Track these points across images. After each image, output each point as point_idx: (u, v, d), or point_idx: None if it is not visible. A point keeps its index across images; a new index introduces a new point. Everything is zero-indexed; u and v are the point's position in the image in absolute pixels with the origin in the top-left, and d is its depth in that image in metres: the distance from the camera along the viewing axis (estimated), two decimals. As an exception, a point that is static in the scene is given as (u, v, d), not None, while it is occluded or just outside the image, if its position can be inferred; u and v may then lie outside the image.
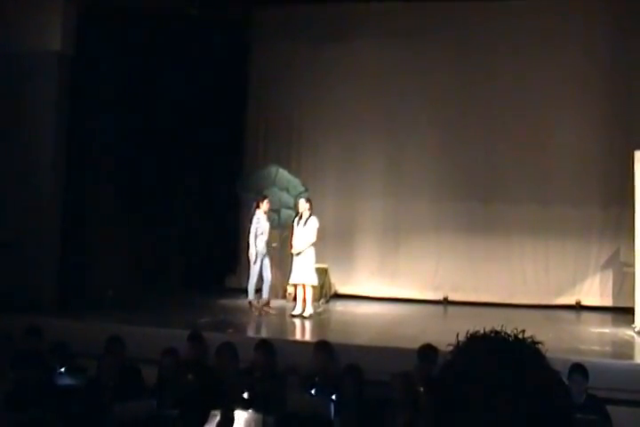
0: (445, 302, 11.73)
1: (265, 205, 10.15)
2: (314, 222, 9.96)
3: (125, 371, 5.93)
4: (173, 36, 11.33)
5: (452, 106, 11.82)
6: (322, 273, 11.47)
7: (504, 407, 1.11)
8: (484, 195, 11.78)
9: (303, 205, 10.02)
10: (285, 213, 11.42)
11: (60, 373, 5.90)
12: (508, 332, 1.20)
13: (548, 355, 1.24)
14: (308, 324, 9.60)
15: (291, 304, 10.30)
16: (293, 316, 9.68)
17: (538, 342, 1.19)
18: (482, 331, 1.21)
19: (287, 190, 11.51)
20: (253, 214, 10.17)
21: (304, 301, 9.72)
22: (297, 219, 10.05)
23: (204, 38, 11.82)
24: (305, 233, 9.85)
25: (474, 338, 1.20)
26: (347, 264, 12.15)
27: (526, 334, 1.22)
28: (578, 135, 11.45)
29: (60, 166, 9.53)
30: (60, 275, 9.57)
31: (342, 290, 12.05)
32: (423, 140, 12.09)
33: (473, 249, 11.87)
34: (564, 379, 5.49)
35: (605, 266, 11.34)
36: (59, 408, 5.27)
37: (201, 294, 11.33)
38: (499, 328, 1.21)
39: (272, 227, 10.73)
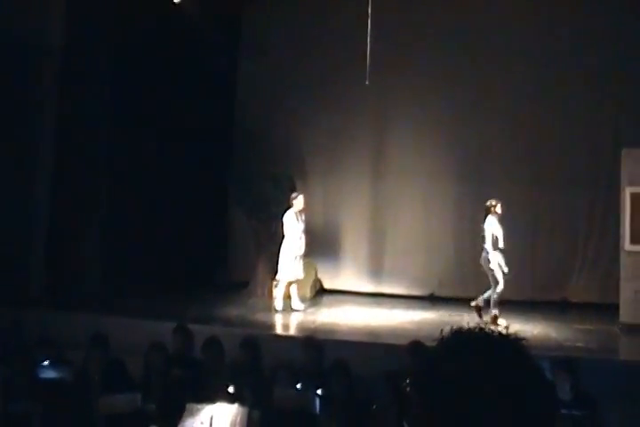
0: (433, 297, 11.75)
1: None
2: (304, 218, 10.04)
3: (111, 364, 5.90)
4: (162, 32, 11.25)
5: (441, 101, 11.80)
6: (311, 269, 11.49)
7: (488, 405, 1.11)
8: (473, 190, 11.79)
9: (302, 202, 9.99)
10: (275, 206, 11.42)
11: (45, 366, 5.86)
12: (492, 327, 1.20)
13: (534, 351, 1.23)
14: (296, 319, 9.60)
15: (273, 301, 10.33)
16: (296, 310, 9.82)
17: (522, 339, 1.19)
18: (466, 327, 1.21)
19: (275, 182, 11.49)
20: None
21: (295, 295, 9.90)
22: (295, 215, 9.99)
23: (195, 35, 11.72)
24: (302, 229, 9.93)
25: (458, 334, 1.20)
26: (334, 260, 12.14)
27: (511, 330, 1.22)
28: (564, 132, 11.48)
29: (49, 161, 9.47)
30: (46, 269, 9.52)
31: (330, 285, 12.05)
32: (410, 136, 12.09)
33: (460, 244, 11.89)
34: (551, 376, 5.52)
35: (592, 262, 11.39)
36: (44, 402, 5.24)
37: (190, 287, 11.29)
38: (483, 324, 1.21)
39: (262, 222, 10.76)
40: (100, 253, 10.55)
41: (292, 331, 8.96)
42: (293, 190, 11.16)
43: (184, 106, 11.57)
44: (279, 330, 8.86)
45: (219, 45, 12.12)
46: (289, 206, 10.15)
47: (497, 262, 9.30)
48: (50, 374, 5.78)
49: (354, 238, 12.32)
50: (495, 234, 9.29)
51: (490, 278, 9.34)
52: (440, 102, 11.83)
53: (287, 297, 10.04)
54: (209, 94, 12.02)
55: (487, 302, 9.37)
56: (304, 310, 9.98)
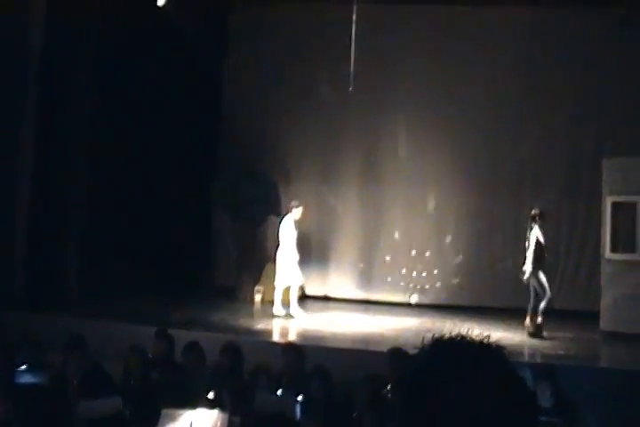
0: (416, 305, 11.76)
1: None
2: None
3: (90, 368, 5.84)
4: (147, 32, 11.20)
5: (430, 109, 11.84)
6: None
7: (469, 412, 1.11)
8: (460, 199, 11.86)
9: (301, 212, 10.13)
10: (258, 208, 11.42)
11: (22, 370, 5.79)
12: (474, 336, 1.20)
13: (515, 359, 1.23)
14: (278, 325, 9.57)
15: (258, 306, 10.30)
16: (291, 316, 9.87)
17: (502, 347, 1.19)
18: (447, 335, 1.21)
19: (259, 186, 11.48)
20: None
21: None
22: (293, 222, 10.05)
23: (181, 35, 11.68)
24: (295, 236, 10.04)
25: (439, 343, 1.20)
26: (322, 266, 12.07)
27: (493, 338, 1.22)
28: (546, 142, 11.55)
29: (28, 162, 9.39)
30: (26, 271, 9.42)
31: (318, 292, 11.97)
32: (400, 143, 12.13)
33: (444, 253, 11.93)
34: (532, 383, 5.54)
35: (573, 270, 11.45)
36: (21, 406, 5.17)
37: (174, 291, 11.19)
38: (465, 332, 1.21)
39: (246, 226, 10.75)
40: (80, 255, 10.46)
41: (274, 336, 8.92)
42: (276, 192, 11.17)
43: (169, 106, 11.52)
44: (260, 335, 8.82)
45: (205, 45, 12.08)
46: (286, 213, 10.16)
47: (542, 272, 9.12)
48: (27, 378, 5.70)
49: (342, 245, 12.29)
50: (542, 243, 9.14)
51: (537, 289, 9.12)
52: (429, 110, 11.86)
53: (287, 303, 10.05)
54: (194, 95, 11.97)
55: (533, 310, 9.18)
56: (292, 317, 9.93)
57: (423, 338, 1.23)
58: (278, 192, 11.92)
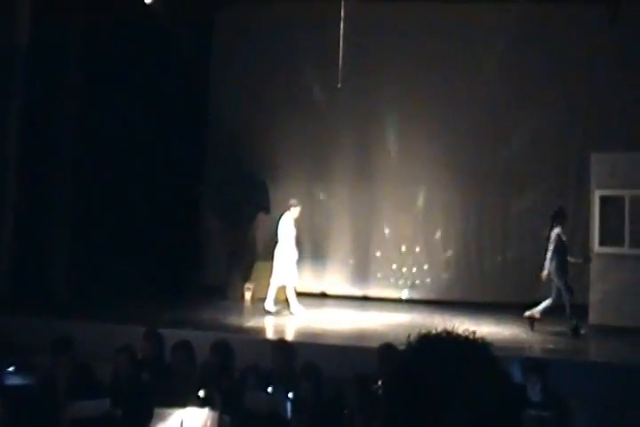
0: (407, 300, 11.77)
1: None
2: None
3: (78, 369, 5.80)
4: (133, 32, 11.15)
5: (420, 107, 11.83)
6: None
7: (456, 407, 1.12)
8: (446, 196, 11.88)
9: (299, 209, 10.14)
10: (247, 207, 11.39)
11: (10, 372, 5.75)
12: (460, 332, 1.21)
13: (505, 353, 1.24)
14: (269, 322, 9.55)
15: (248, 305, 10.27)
16: (293, 314, 9.92)
17: (488, 343, 1.21)
18: (433, 331, 1.22)
19: (247, 185, 11.45)
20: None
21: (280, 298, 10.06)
22: (292, 221, 10.07)
23: (167, 35, 11.62)
24: (294, 234, 10.04)
25: (425, 339, 1.21)
26: (311, 263, 12.05)
27: (480, 334, 1.23)
28: (535, 137, 11.58)
29: (13, 161, 9.33)
30: (13, 272, 9.36)
31: (313, 289, 11.93)
32: (393, 142, 12.13)
33: (434, 249, 11.96)
34: (521, 377, 5.55)
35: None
36: (10, 408, 5.14)
37: (163, 291, 11.15)
38: (451, 328, 1.22)
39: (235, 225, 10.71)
40: (68, 255, 10.40)
41: (264, 334, 8.89)
42: (265, 191, 11.14)
43: (156, 106, 11.46)
44: (251, 333, 8.80)
45: (192, 44, 12.03)
46: (285, 211, 10.14)
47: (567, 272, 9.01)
48: (15, 380, 5.66)
49: (333, 242, 12.28)
50: (564, 242, 9.06)
51: (562, 289, 8.97)
52: (418, 107, 11.86)
53: (283, 301, 10.03)
54: (181, 95, 11.92)
55: (545, 313, 9.07)
56: (293, 314, 9.93)
57: (409, 335, 1.24)
58: (267, 191, 11.89)
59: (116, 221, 11.10)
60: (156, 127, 11.56)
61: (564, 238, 9.07)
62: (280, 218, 10.15)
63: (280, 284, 10.00)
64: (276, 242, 10.08)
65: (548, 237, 9.13)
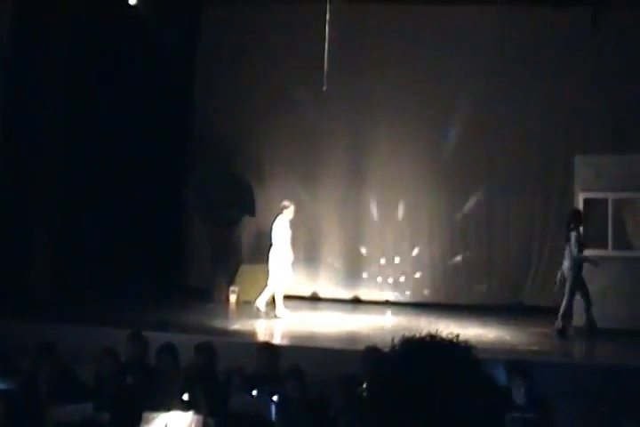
0: (393, 303, 11.78)
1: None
2: None
3: (61, 373, 5.75)
4: (117, 32, 11.08)
5: (403, 105, 11.84)
6: (263, 275, 11.39)
7: (439, 410, 1.13)
8: (430, 199, 11.91)
9: (293, 212, 10.08)
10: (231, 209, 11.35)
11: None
12: (443, 335, 1.22)
13: (490, 355, 1.24)
14: (255, 325, 9.51)
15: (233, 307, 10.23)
16: (278, 317, 9.86)
17: (471, 347, 1.21)
18: (417, 335, 1.23)
19: (232, 187, 11.41)
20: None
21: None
22: (286, 223, 10.04)
23: (152, 35, 11.57)
24: (290, 236, 10.02)
25: (409, 343, 1.22)
26: (296, 266, 12.01)
27: (470, 335, 1.24)
28: (520, 139, 11.63)
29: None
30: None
31: (303, 292, 11.87)
32: (383, 144, 12.14)
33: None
34: (506, 379, 5.56)
35: (546, 267, 11.52)
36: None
37: (147, 293, 11.07)
38: (435, 331, 1.24)
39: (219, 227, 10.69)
40: (50, 257, 10.32)
41: (249, 337, 8.86)
42: (250, 192, 11.10)
43: (140, 107, 11.40)
44: (235, 336, 8.76)
45: (176, 46, 11.98)
46: (279, 214, 10.10)
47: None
48: (-3, 383, 5.60)
49: (317, 244, 12.26)
50: (583, 244, 9.00)
51: (581, 293, 8.92)
52: (402, 109, 11.87)
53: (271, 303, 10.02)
54: (165, 95, 11.85)
55: (587, 316, 8.95)
56: (278, 317, 9.91)
57: (393, 338, 1.25)
58: (252, 193, 11.86)
59: (99, 222, 11.02)
60: (140, 127, 11.48)
61: (581, 240, 9.01)
62: (273, 221, 10.12)
63: (278, 286, 9.95)
64: (270, 245, 10.04)
65: (567, 239, 9.04)
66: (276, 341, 8.32)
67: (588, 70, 11.14)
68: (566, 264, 9.00)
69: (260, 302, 9.96)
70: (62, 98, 10.44)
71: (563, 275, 9.05)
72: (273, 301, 10.02)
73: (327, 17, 10.18)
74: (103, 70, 10.98)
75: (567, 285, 8.97)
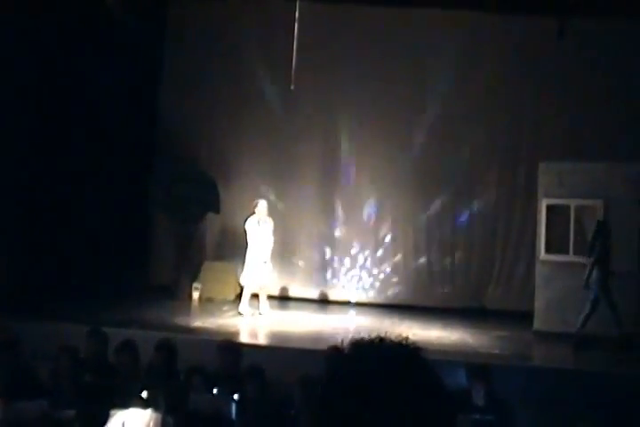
0: (357, 304, 11.80)
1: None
2: (271, 222, 10.06)
3: (18, 370, 5.65)
4: (83, 30, 10.94)
5: (371, 104, 11.85)
6: (231, 272, 11.35)
7: (386, 411, 1.14)
8: (396, 199, 11.95)
9: (265, 211, 10.00)
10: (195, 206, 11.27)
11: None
12: (393, 337, 1.23)
13: (451, 358, 1.25)
14: (217, 323, 9.45)
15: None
16: (241, 314, 9.85)
17: (419, 348, 1.23)
18: (366, 337, 1.25)
19: (197, 184, 11.34)
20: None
21: (256, 299, 9.96)
22: (257, 221, 9.93)
23: (118, 33, 11.42)
24: (266, 234, 9.94)
25: (358, 344, 1.24)
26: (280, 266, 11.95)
27: (432, 337, 1.26)
28: (485, 145, 11.72)
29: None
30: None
31: (277, 292, 11.79)
32: (341, 143, 12.16)
33: (384, 253, 12.01)
34: (466, 382, 5.60)
35: (508, 271, 11.65)
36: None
37: (110, 290, 10.92)
38: (384, 334, 1.25)
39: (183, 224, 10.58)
40: (8, 252, 10.12)
41: (210, 335, 8.79)
42: (215, 190, 11.03)
43: (105, 104, 11.26)
44: (197, 334, 8.70)
45: (142, 42, 11.84)
46: (251, 213, 10.05)
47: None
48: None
49: (283, 243, 12.19)
50: (608, 252, 8.82)
51: (607, 301, 8.65)
52: (370, 108, 11.87)
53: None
54: (131, 92, 11.71)
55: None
56: (241, 314, 9.89)
57: (342, 340, 1.28)
58: (217, 191, 11.79)
59: (60, 217, 10.85)
60: (103, 123, 11.34)
61: (608, 250, 8.91)
62: (246, 220, 10.09)
63: (247, 284, 9.93)
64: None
65: (592, 248, 8.85)
66: (238, 339, 8.27)
67: (555, 79, 11.28)
68: (589, 275, 8.73)
69: (263, 309, 9.97)
70: (25, 94, 10.26)
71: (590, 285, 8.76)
72: (239, 296, 10.02)
73: (296, 15, 10.16)
74: (68, 67, 10.82)
75: (596, 294, 8.70)
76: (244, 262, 10.11)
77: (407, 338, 1.24)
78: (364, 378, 1.17)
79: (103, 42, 11.13)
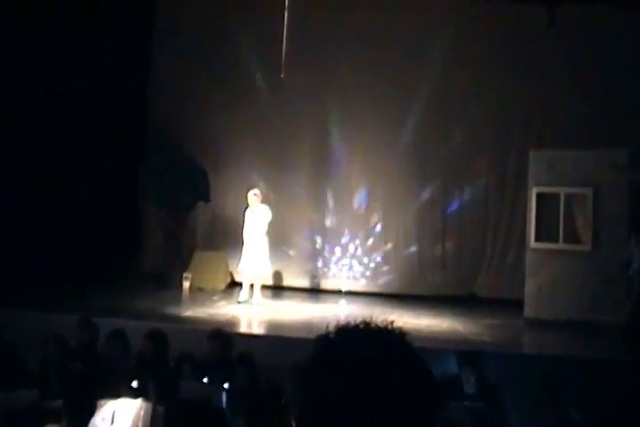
0: (348, 292, 11.80)
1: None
2: (265, 212, 10.04)
3: (7, 359, 5.62)
4: (71, 21, 10.83)
5: (361, 92, 11.78)
6: (221, 262, 11.34)
7: (369, 399, 1.14)
8: (386, 187, 11.94)
9: (254, 201, 10.06)
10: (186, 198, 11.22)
11: None
12: (378, 322, 1.23)
13: (441, 346, 1.24)
14: (207, 312, 9.44)
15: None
16: (239, 302, 9.88)
17: (405, 333, 1.23)
18: (351, 322, 1.24)
19: (187, 172, 11.29)
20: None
21: (251, 288, 9.97)
22: (249, 212, 10.05)
23: (106, 21, 11.31)
24: (256, 224, 9.92)
25: (343, 330, 1.23)
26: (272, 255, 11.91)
27: (423, 325, 1.24)
28: (475, 133, 11.71)
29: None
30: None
31: (268, 281, 11.76)
32: (331, 132, 12.12)
33: (375, 242, 12.01)
34: (457, 369, 5.61)
35: (499, 259, 11.67)
36: None
37: (98, 277, 10.86)
38: (369, 319, 1.24)
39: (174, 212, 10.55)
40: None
41: (201, 323, 8.78)
42: (205, 179, 11.00)
43: (95, 92, 11.18)
44: (187, 322, 8.68)
45: (132, 30, 11.75)
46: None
47: None
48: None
49: (273, 232, 12.17)
50: None
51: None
52: (361, 97, 11.82)
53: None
54: (121, 80, 11.63)
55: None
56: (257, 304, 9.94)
57: (327, 325, 1.25)
58: (208, 179, 11.74)
59: (50, 205, 10.78)
60: (94, 111, 11.26)
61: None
62: (245, 210, 10.14)
63: (249, 273, 10.00)
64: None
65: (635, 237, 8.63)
66: (229, 328, 8.26)
67: (546, 67, 11.25)
68: (628, 271, 8.55)
69: (256, 299, 10.00)
70: (15, 87, 10.18)
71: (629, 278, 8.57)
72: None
73: (286, 3, 10.08)
74: (58, 57, 10.72)
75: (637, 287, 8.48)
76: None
77: (392, 322, 1.24)
78: (350, 363, 1.16)
79: (92, 29, 11.03)
